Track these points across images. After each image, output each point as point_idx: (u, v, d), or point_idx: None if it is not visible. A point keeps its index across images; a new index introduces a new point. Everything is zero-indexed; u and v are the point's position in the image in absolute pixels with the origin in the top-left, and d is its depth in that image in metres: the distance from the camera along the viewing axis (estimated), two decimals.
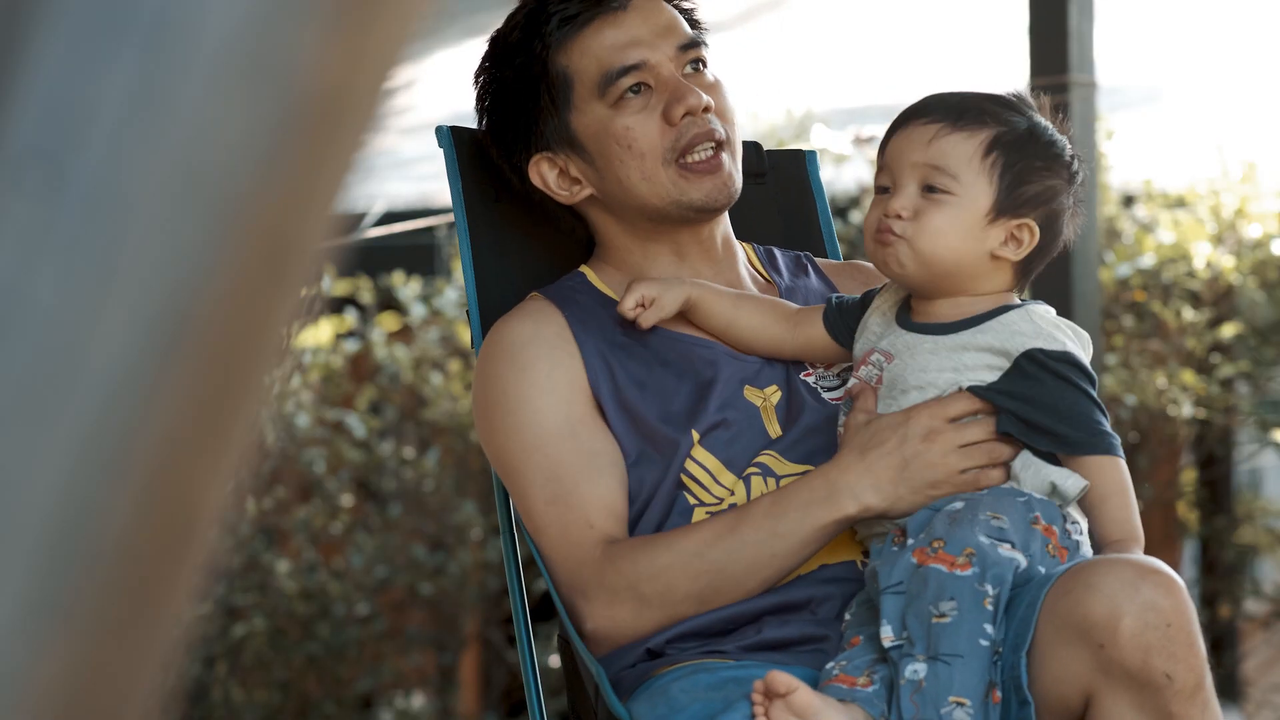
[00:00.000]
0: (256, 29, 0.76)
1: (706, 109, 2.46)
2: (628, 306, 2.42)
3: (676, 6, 2.53)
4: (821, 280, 2.65)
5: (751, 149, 2.71)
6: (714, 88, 2.49)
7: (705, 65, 2.51)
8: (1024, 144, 2.35)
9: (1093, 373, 2.31)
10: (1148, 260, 5.99)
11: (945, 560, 2.20)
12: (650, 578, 2.35)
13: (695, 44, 2.49)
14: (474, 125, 2.69)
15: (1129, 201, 6.43)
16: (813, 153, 2.88)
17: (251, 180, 0.76)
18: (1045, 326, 2.31)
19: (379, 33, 0.78)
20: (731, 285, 2.54)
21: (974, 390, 2.30)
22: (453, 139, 2.65)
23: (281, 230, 0.77)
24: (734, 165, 2.49)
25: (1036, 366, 2.28)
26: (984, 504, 2.25)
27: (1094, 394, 2.29)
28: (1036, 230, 2.34)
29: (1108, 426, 2.30)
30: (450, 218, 6.27)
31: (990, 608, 2.17)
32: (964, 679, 2.14)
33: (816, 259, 2.70)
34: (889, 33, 9.11)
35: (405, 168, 7.69)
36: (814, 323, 2.47)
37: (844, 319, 2.45)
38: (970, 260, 2.34)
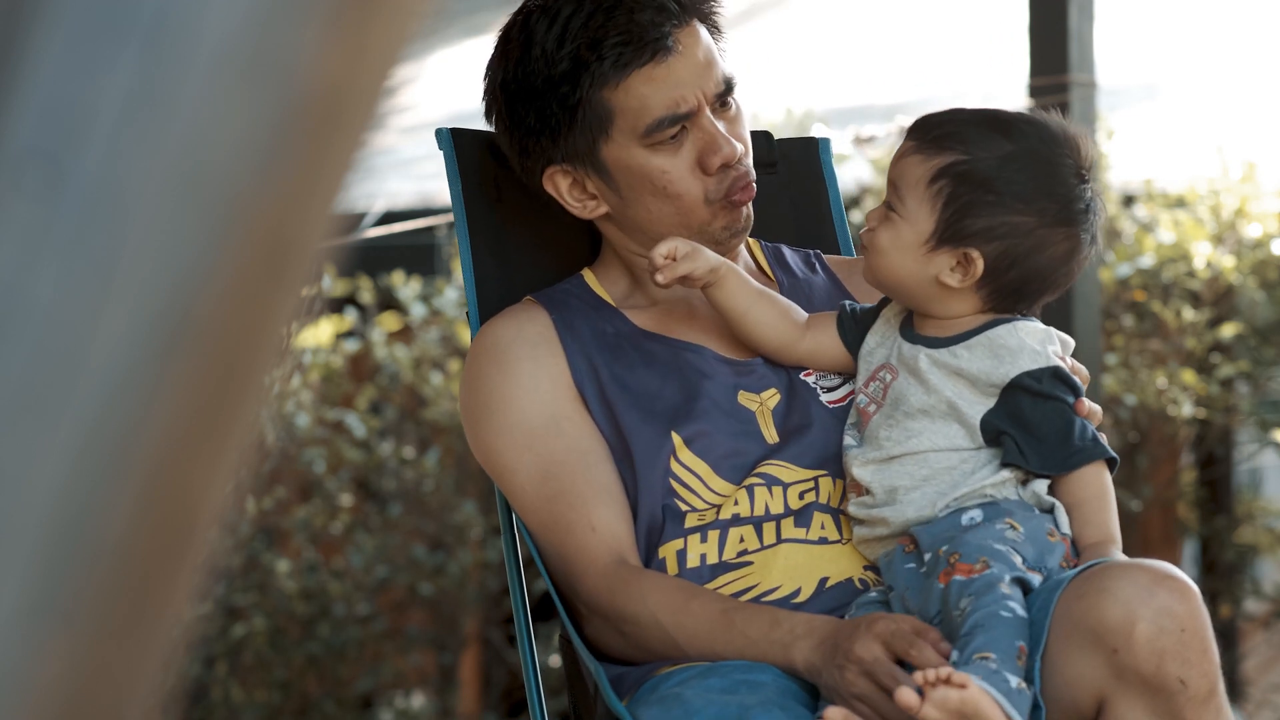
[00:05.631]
0: (256, 29, 0.76)
1: (740, 159, 2.46)
2: (660, 252, 2.39)
3: (706, 21, 2.49)
4: (829, 278, 2.64)
5: (762, 138, 2.70)
6: (736, 120, 2.49)
7: (732, 96, 2.50)
8: (986, 177, 2.32)
9: (1075, 381, 2.31)
10: (1148, 260, 5.99)
11: (963, 570, 2.20)
12: (632, 624, 2.36)
13: (730, 87, 2.47)
14: (474, 126, 2.68)
15: (1129, 201, 6.43)
16: (826, 140, 2.86)
17: (251, 180, 0.76)
18: (1030, 341, 2.32)
19: (379, 33, 0.78)
20: None
21: (983, 423, 2.30)
22: (453, 141, 2.64)
23: (281, 230, 0.77)
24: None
25: (1024, 393, 2.29)
26: (1001, 513, 2.26)
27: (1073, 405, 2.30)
28: (979, 260, 2.32)
29: (1090, 436, 2.30)
30: (450, 217, 6.28)
31: (1007, 590, 2.17)
32: (985, 641, 2.13)
33: (826, 256, 2.69)
34: (889, 33, 9.11)
35: (405, 167, 7.69)
36: (826, 328, 2.47)
37: (857, 325, 2.45)
38: (913, 282, 2.35)
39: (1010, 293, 2.35)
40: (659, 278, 2.39)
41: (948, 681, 2.07)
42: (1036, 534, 2.24)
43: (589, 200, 2.51)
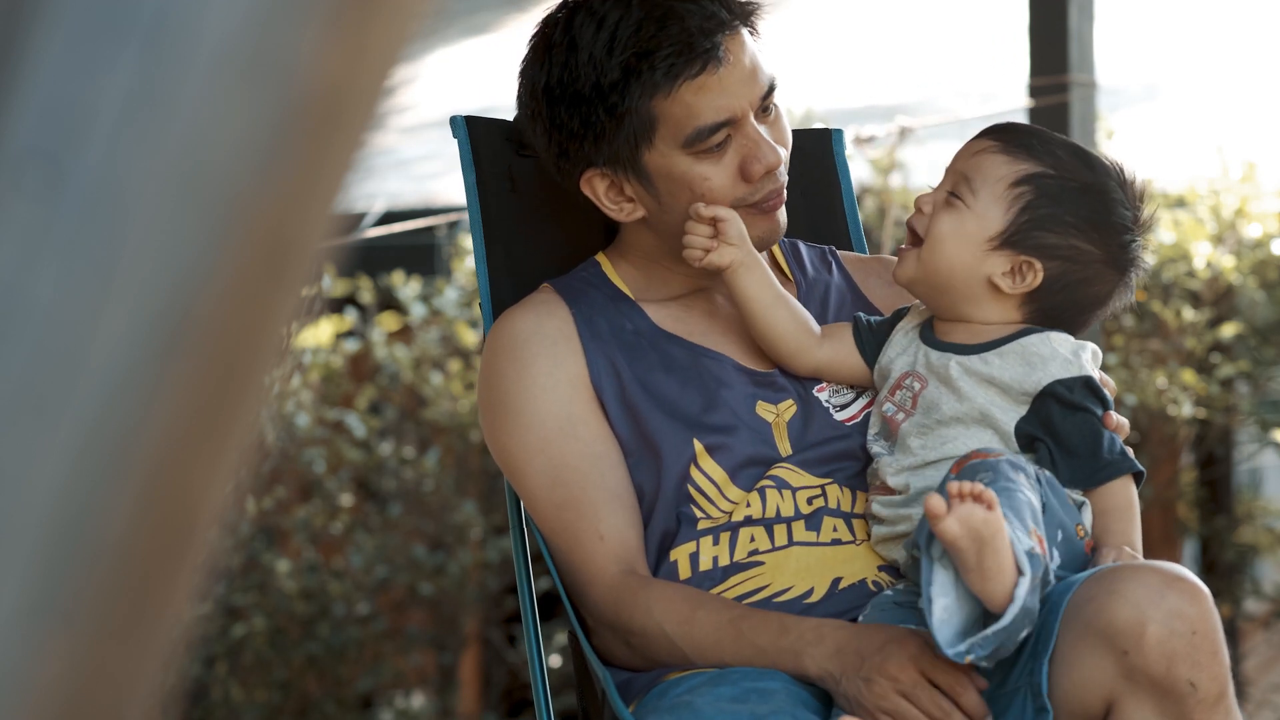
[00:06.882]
0: (256, 29, 0.76)
1: (780, 165, 2.45)
2: (705, 212, 2.40)
3: (752, 26, 2.46)
4: (844, 277, 2.63)
5: None
6: (776, 124, 2.47)
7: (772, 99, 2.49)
8: (1068, 197, 2.34)
9: (1105, 393, 2.32)
10: (1148, 260, 5.99)
11: (979, 457, 2.20)
12: (639, 636, 2.36)
13: (772, 90, 2.46)
14: (480, 116, 2.68)
15: None
16: (839, 131, 2.84)
17: (251, 180, 0.76)
18: (1063, 350, 2.31)
19: (379, 32, 0.78)
20: None
21: (1017, 430, 2.30)
22: (468, 129, 2.64)
23: (281, 230, 0.77)
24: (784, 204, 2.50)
25: (1055, 401, 2.29)
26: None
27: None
28: (1039, 270, 2.33)
29: (1118, 449, 2.30)
30: (451, 217, 6.28)
31: (1027, 484, 2.15)
32: (1003, 506, 2.10)
33: (841, 253, 2.68)
34: (889, 33, 9.11)
35: (405, 167, 7.69)
36: (842, 339, 2.46)
37: (874, 335, 2.45)
38: (962, 275, 2.34)
39: (1048, 314, 2.36)
40: (701, 210, 2.39)
41: (978, 498, 2.06)
42: (1058, 491, 2.24)
43: (626, 203, 2.48)
